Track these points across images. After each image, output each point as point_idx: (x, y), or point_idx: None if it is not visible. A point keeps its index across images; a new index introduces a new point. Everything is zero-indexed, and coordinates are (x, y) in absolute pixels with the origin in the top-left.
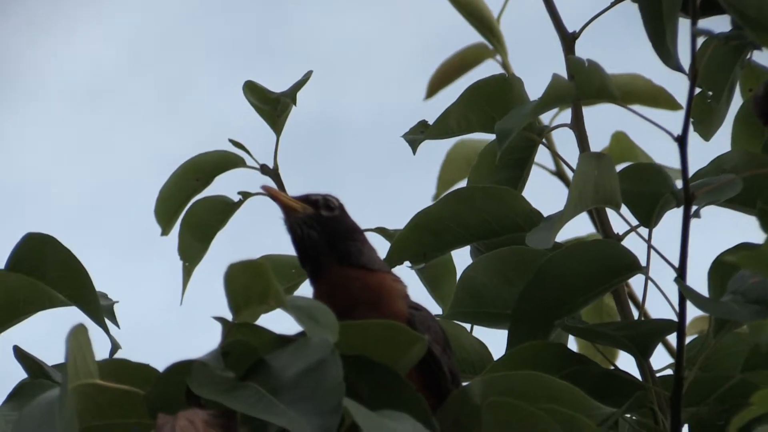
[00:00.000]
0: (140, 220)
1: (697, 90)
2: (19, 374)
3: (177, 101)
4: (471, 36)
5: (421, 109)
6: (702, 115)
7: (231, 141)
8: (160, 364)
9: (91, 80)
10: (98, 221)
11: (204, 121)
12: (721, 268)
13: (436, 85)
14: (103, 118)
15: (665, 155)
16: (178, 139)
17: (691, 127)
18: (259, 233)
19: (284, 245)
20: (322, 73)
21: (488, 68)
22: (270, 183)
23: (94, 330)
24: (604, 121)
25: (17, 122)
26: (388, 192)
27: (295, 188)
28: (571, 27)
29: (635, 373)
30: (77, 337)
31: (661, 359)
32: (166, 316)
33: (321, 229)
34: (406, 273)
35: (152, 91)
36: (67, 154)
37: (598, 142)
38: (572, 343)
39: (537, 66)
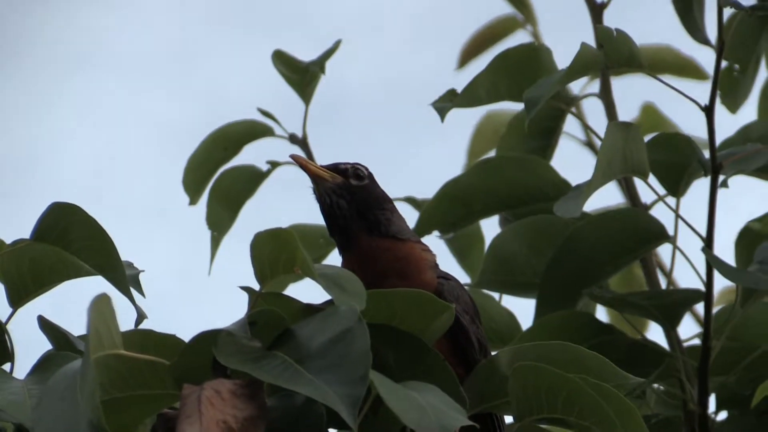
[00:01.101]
0: (166, 190)
1: (724, 63)
2: (46, 345)
3: (197, 69)
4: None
5: (449, 77)
6: (729, 88)
7: (260, 110)
8: (187, 334)
9: (111, 47)
10: (120, 190)
11: (229, 89)
12: (748, 238)
13: (468, 55)
14: (113, 85)
15: (692, 127)
16: (198, 108)
17: (718, 99)
18: (288, 203)
19: (313, 215)
20: (345, 41)
21: (519, 39)
22: (299, 152)
23: (120, 300)
24: (631, 92)
25: (26, 91)
26: (417, 162)
27: (323, 158)
28: None
29: (663, 342)
30: (100, 307)
31: (688, 329)
32: (194, 285)
33: (350, 198)
34: (434, 242)
35: (172, 58)
36: (79, 123)
37: (625, 113)
38: (600, 313)
39: (566, 36)
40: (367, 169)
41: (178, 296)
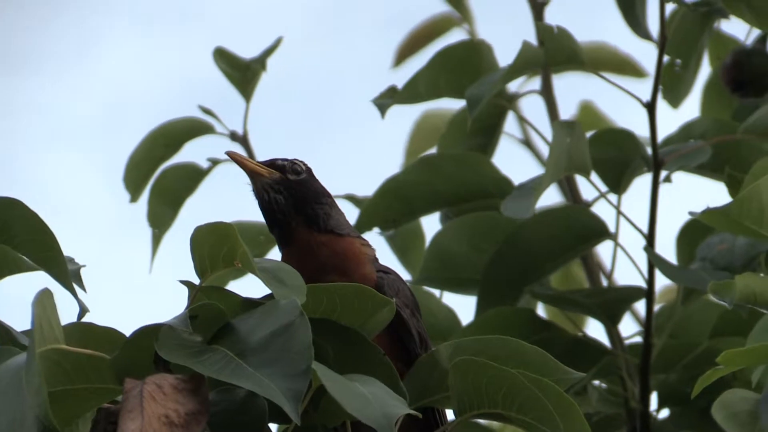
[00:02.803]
0: (108, 187)
1: (666, 58)
2: None
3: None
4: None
5: (390, 76)
6: (670, 83)
7: (200, 107)
8: (129, 329)
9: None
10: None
11: (171, 85)
12: (690, 234)
13: (404, 53)
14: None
15: (632, 125)
16: (145, 104)
17: (660, 95)
18: (229, 200)
19: (255, 213)
20: (292, 39)
21: (455, 38)
22: (239, 149)
23: (62, 294)
24: (572, 89)
25: None
26: (358, 159)
27: (266, 155)
28: None
29: (604, 339)
30: (43, 302)
31: (629, 326)
32: (136, 281)
33: (288, 193)
34: (375, 240)
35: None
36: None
37: (565, 111)
38: (541, 310)
39: (506, 34)
40: (305, 164)
41: (120, 292)
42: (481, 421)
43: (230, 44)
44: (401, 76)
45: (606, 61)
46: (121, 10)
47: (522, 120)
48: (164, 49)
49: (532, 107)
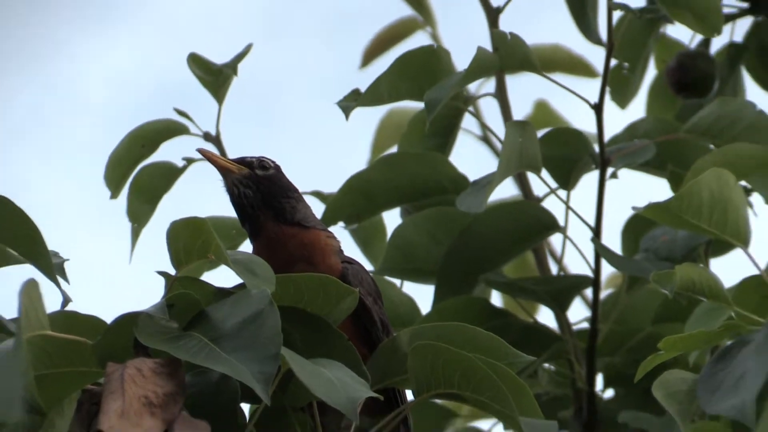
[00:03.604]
0: (91, 184)
1: (614, 61)
2: None
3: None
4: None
5: (353, 75)
6: (618, 85)
7: (176, 110)
8: (109, 317)
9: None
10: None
11: (147, 85)
12: (634, 228)
13: (371, 54)
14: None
15: (583, 123)
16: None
17: (608, 96)
18: (203, 197)
19: (228, 208)
20: (260, 41)
21: (419, 40)
22: (212, 149)
23: (47, 285)
24: (526, 89)
25: None
26: (325, 157)
27: (237, 154)
28: (496, 1)
29: (554, 325)
30: (29, 292)
31: (578, 312)
32: (116, 273)
33: (256, 188)
34: (340, 233)
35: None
36: None
37: (520, 109)
38: (495, 298)
39: (465, 36)
40: (273, 161)
41: (102, 283)
42: (438, 401)
43: (199, 47)
44: (369, 76)
45: (560, 62)
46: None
47: (479, 120)
48: (132, 49)
49: (489, 107)
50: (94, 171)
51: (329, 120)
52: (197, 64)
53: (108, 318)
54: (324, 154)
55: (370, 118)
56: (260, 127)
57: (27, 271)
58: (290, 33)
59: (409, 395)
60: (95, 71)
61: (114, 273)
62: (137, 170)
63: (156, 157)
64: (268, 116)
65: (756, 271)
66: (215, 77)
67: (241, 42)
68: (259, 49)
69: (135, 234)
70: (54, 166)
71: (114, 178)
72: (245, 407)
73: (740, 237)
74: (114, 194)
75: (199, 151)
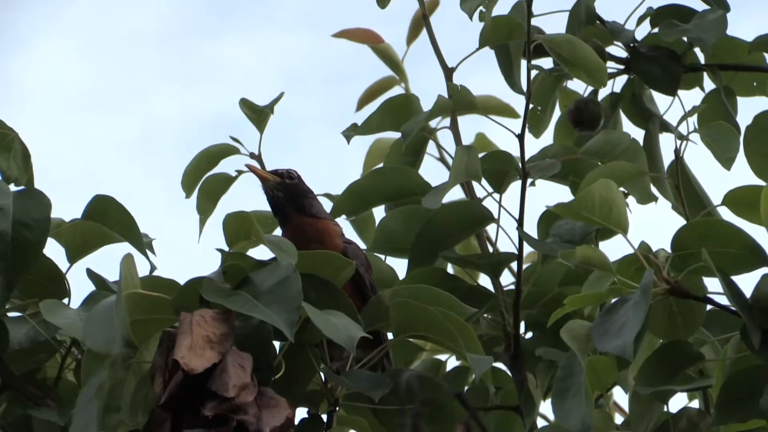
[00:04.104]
0: (171, 187)
1: (532, 106)
2: (91, 287)
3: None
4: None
5: (351, 116)
6: (534, 122)
7: (231, 137)
8: (183, 279)
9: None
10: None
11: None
12: (546, 220)
13: (363, 102)
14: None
15: (510, 147)
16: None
17: (527, 130)
18: (250, 197)
19: (265, 205)
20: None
21: (396, 91)
22: (255, 163)
23: (139, 258)
24: (471, 125)
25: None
26: (333, 169)
27: (274, 167)
28: (451, 63)
29: (491, 287)
30: (127, 262)
31: (507, 278)
32: (189, 248)
33: (285, 192)
34: (343, 222)
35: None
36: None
37: (467, 138)
38: (450, 269)
39: (430, 88)
40: (296, 172)
41: (178, 256)
42: (411, 340)
43: (242, 93)
44: (362, 116)
45: (493, 106)
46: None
47: (438, 145)
48: (199, 95)
49: (445, 137)
50: (174, 177)
51: (335, 145)
52: (245, 105)
53: (182, 281)
54: (332, 168)
55: (362, 144)
56: (289, 148)
57: (126, 247)
58: (307, 87)
59: (390, 336)
60: (174, 111)
61: (186, 249)
62: (204, 179)
63: (217, 169)
64: (294, 141)
65: (631, 251)
66: (258, 114)
67: (271, 92)
68: (288, 97)
69: (202, 223)
70: (148, 175)
71: (188, 184)
72: (276, 344)
73: (621, 226)
74: (188, 195)
75: (247, 165)
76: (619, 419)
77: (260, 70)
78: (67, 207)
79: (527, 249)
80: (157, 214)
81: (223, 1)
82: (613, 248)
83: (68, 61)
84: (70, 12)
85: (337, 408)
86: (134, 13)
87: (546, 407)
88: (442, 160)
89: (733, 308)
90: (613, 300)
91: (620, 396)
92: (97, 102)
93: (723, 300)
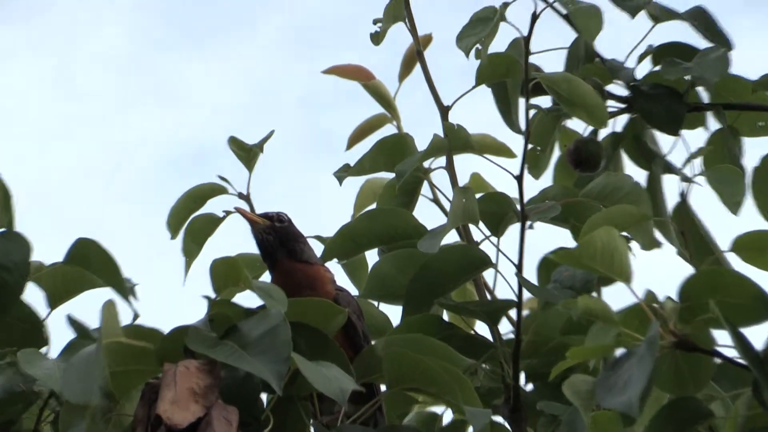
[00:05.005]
0: (154, 230)
1: (530, 146)
2: (71, 335)
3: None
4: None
5: (341, 155)
6: (533, 163)
7: (219, 176)
8: (167, 328)
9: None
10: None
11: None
12: (546, 265)
13: (354, 140)
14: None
15: (507, 188)
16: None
17: (526, 170)
18: (237, 239)
19: (254, 248)
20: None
21: (387, 130)
22: (243, 205)
23: (122, 304)
24: (468, 164)
25: None
26: (324, 211)
27: (263, 208)
28: (446, 102)
29: (489, 336)
30: (108, 309)
31: (505, 327)
32: (172, 295)
33: (275, 235)
34: (334, 266)
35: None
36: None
37: (463, 178)
38: (445, 316)
39: (424, 128)
40: (287, 215)
41: (162, 302)
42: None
43: (216, 110)
44: (352, 155)
45: (490, 146)
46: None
47: (432, 186)
48: (173, 117)
49: (440, 177)
50: (155, 209)
51: (327, 185)
52: (235, 143)
53: (166, 329)
54: (324, 208)
55: (354, 184)
56: (278, 188)
57: (107, 293)
58: (284, 110)
59: (383, 389)
60: (149, 134)
61: (171, 295)
62: (190, 219)
63: (204, 209)
64: (284, 181)
65: (636, 300)
66: (247, 153)
67: (248, 113)
68: (278, 134)
69: (187, 266)
70: (128, 209)
71: (174, 224)
72: (264, 396)
73: (624, 276)
74: (173, 236)
75: (236, 209)
76: None
77: (235, 89)
78: (43, 247)
79: (527, 295)
80: (141, 253)
81: (197, 20)
82: (617, 295)
83: (34, 85)
84: (36, 33)
85: None
86: (102, 34)
87: None
88: (436, 201)
89: (743, 362)
90: (618, 353)
91: None
92: (67, 127)
93: (733, 353)
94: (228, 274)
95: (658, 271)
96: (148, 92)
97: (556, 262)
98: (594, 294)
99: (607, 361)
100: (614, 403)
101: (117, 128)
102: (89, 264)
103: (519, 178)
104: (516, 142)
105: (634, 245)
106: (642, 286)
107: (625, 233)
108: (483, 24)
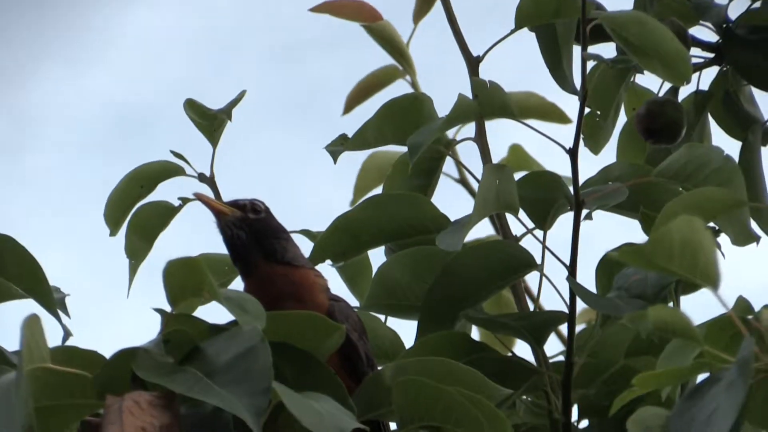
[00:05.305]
0: (90, 222)
1: (587, 109)
2: None
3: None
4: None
5: (337, 122)
6: (591, 132)
7: (172, 152)
8: (108, 351)
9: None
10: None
11: (145, 132)
12: (607, 266)
13: (353, 102)
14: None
15: (558, 166)
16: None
17: (582, 142)
18: (198, 235)
19: (221, 246)
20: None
21: (399, 88)
22: (207, 190)
23: (48, 319)
24: (505, 133)
25: None
26: (314, 198)
27: (231, 194)
28: (475, 50)
29: (531, 359)
30: (31, 326)
31: (553, 347)
32: (114, 308)
33: (248, 230)
34: (328, 270)
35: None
36: None
37: (499, 153)
38: (475, 333)
39: (446, 85)
40: (263, 204)
41: (100, 317)
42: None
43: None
44: (350, 121)
45: (534, 108)
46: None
47: (459, 164)
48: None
49: (469, 151)
50: (93, 210)
51: (317, 160)
52: (193, 108)
53: (107, 352)
54: (310, 196)
55: (355, 157)
56: (251, 169)
57: (29, 305)
58: (255, 62)
59: (393, 427)
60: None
61: (113, 308)
62: (135, 209)
63: (153, 197)
64: (259, 158)
65: (725, 311)
66: (210, 122)
67: (199, 69)
68: (250, 96)
69: (133, 270)
70: (54, 199)
71: (113, 216)
72: None
73: (710, 280)
74: (113, 232)
75: (195, 195)
76: None
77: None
78: None
79: (581, 306)
80: (70, 255)
81: None
82: (700, 306)
83: None
84: None
85: None
86: None
87: None
88: (463, 182)
89: None
90: (700, 379)
91: None
92: None
93: None
94: (187, 280)
95: (755, 274)
96: (51, 44)
97: (620, 262)
98: (671, 304)
99: (686, 390)
100: None
101: (12, 96)
102: (3, 268)
103: (572, 153)
104: (569, 105)
105: (724, 239)
106: (733, 293)
107: (712, 224)
108: None
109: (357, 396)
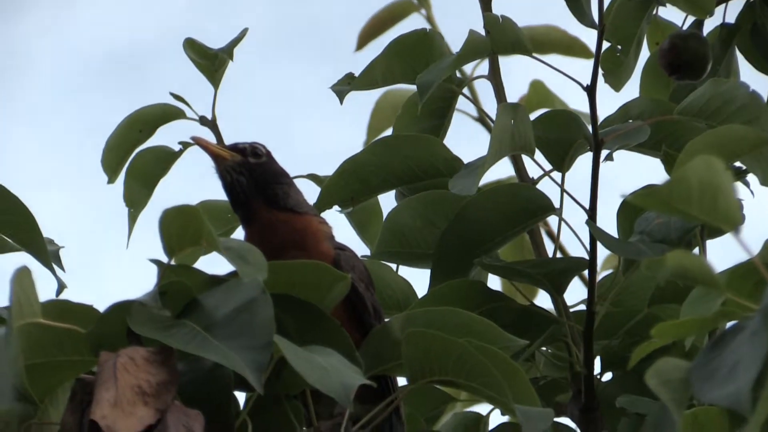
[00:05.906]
0: (86, 165)
1: (607, 44)
2: None
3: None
4: None
5: (349, 58)
6: (612, 67)
7: (171, 94)
8: (104, 305)
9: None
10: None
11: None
12: (629, 210)
13: (366, 37)
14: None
15: (579, 102)
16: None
17: (601, 78)
18: (199, 181)
19: (220, 192)
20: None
21: (414, 22)
22: (208, 134)
23: (42, 273)
24: (522, 71)
25: None
26: (321, 140)
27: (235, 138)
28: None
29: (550, 308)
30: (21, 280)
31: (576, 295)
32: (112, 259)
33: (249, 175)
34: (336, 217)
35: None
36: None
37: (516, 90)
38: (494, 281)
39: (461, 18)
40: (264, 147)
41: (97, 270)
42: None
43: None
44: (362, 58)
45: (555, 43)
46: None
47: (475, 102)
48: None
49: (485, 87)
50: (89, 155)
51: (326, 100)
52: (193, 48)
53: (102, 306)
54: (315, 139)
55: (369, 96)
56: (256, 111)
57: (22, 258)
58: (281, 16)
59: (402, 383)
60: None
61: (108, 260)
62: (134, 155)
63: (152, 141)
64: (263, 102)
65: (748, 257)
66: (211, 61)
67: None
68: (251, 34)
69: (132, 219)
70: (46, 146)
71: (111, 163)
72: (239, 395)
73: (731, 223)
74: (111, 179)
75: (193, 139)
76: None
77: None
78: None
79: (602, 252)
80: (64, 205)
81: None
82: (725, 250)
83: None
84: None
85: None
86: None
87: None
88: (481, 121)
89: None
90: (723, 328)
91: None
92: None
93: None
94: (185, 229)
95: None
96: None
97: (640, 206)
98: (696, 249)
99: (709, 340)
100: (717, 396)
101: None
102: None
103: (590, 90)
104: (587, 39)
105: (751, 179)
106: (758, 238)
107: (738, 163)
108: None
109: (363, 350)
